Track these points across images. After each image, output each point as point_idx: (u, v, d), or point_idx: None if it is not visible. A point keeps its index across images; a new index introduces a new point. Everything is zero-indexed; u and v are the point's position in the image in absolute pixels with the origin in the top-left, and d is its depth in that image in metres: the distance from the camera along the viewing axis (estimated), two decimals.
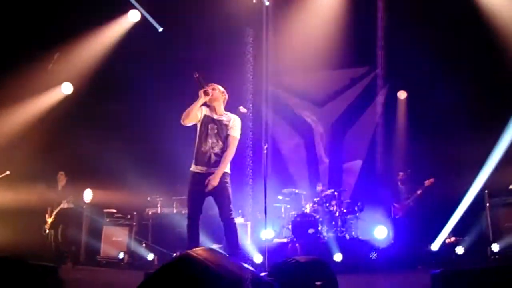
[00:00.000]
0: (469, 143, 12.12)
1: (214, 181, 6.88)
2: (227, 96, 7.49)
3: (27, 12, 12.43)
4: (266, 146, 8.41)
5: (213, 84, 7.39)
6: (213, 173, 6.94)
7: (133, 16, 13.86)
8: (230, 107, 7.55)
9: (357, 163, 15.18)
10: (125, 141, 13.70)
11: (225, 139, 7.16)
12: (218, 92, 7.34)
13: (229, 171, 7.15)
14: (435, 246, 11.50)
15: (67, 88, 14.15)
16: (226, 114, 7.35)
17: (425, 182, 12.27)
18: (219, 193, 7.00)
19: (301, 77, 15.56)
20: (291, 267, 4.53)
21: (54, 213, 12.18)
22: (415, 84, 13.46)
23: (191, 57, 13.52)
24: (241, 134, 7.37)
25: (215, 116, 7.26)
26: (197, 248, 3.43)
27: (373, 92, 14.99)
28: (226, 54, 13.27)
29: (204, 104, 7.24)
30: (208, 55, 13.76)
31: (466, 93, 12.51)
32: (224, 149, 7.11)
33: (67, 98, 14.19)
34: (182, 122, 7.12)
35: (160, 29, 13.91)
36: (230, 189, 7.10)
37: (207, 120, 7.23)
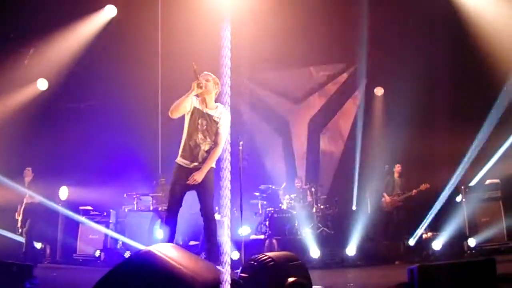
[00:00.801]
0: (446, 140, 12.19)
1: (199, 177, 6.68)
2: (220, 87, 6.91)
3: (2, 7, 12.28)
4: (241, 142, 8.33)
5: (208, 74, 7.02)
6: (199, 168, 6.77)
7: (109, 11, 13.75)
8: None
9: (334, 160, 15.22)
10: (100, 138, 13.61)
11: (214, 135, 6.90)
12: (212, 84, 6.93)
13: (214, 166, 6.88)
14: (412, 241, 11.53)
15: (42, 84, 14.00)
16: (216, 107, 7.00)
17: (421, 186, 12.14)
18: (203, 188, 6.78)
19: (278, 73, 15.57)
20: (263, 264, 4.49)
21: (21, 209, 12.06)
22: (392, 80, 13.47)
23: (168, 51, 13.48)
24: None
25: (205, 110, 6.92)
26: (165, 244, 3.36)
27: (350, 89, 15.02)
28: (202, 48, 13.22)
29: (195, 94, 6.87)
30: (184, 49, 13.69)
31: (443, 89, 12.59)
32: (212, 145, 6.89)
33: (42, 94, 14.02)
34: (170, 114, 6.82)
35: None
36: (213, 185, 6.85)
37: (197, 114, 6.90)
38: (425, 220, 11.72)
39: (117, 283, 2.84)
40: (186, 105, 6.82)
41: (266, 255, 4.61)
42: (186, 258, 2.97)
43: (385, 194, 12.66)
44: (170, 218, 6.82)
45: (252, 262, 4.69)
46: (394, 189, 12.62)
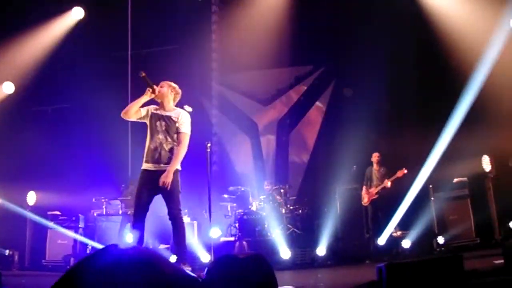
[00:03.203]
0: (414, 138, 12.29)
1: (167, 178, 6.78)
2: (179, 92, 7.40)
3: None
4: (209, 144, 8.34)
5: (165, 82, 7.35)
6: (163, 170, 6.85)
7: (77, 13, 13.66)
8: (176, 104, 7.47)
9: (303, 160, 15.27)
10: (68, 142, 13.52)
11: (175, 135, 7.07)
12: (167, 89, 7.25)
13: (180, 168, 7.04)
14: (381, 240, 11.59)
15: (8, 87, 13.81)
16: (174, 110, 7.25)
17: (397, 172, 11.90)
18: (169, 191, 6.85)
19: (246, 75, 15.60)
20: (228, 263, 4.49)
21: None
22: (361, 81, 13.55)
23: (136, 53, 13.44)
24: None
25: (163, 113, 7.17)
26: (132, 245, 3.40)
27: (318, 90, 15.10)
28: (171, 50, 13.21)
29: (153, 102, 7.20)
30: (153, 51, 13.67)
31: (411, 89, 12.72)
32: (174, 145, 7.03)
33: (8, 97, 13.85)
34: (122, 115, 7.10)
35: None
36: (179, 187, 7.02)
37: (155, 117, 7.14)
38: (394, 219, 11.77)
39: (77, 278, 2.83)
40: (137, 109, 7.11)
41: (232, 255, 4.63)
42: (155, 258, 3.03)
43: (364, 187, 12.47)
44: (137, 223, 6.88)
45: (218, 261, 4.69)
46: (374, 181, 12.37)
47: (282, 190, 13.06)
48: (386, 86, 12.91)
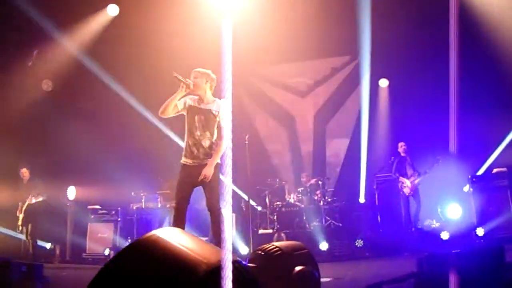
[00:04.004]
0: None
1: (208, 172, 6.69)
2: (214, 79, 7.04)
3: (4, 9, 12.29)
4: (247, 137, 8.36)
5: (197, 71, 7.03)
6: (203, 164, 6.76)
7: (112, 10, 13.75)
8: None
9: (341, 152, 15.22)
10: (108, 137, 13.64)
11: (215, 130, 6.92)
12: (200, 79, 6.96)
13: (220, 161, 6.85)
14: (420, 232, 11.51)
15: (47, 85, 13.99)
16: (214, 101, 7.00)
17: (435, 161, 11.67)
18: (208, 184, 6.78)
19: (282, 67, 15.57)
20: (270, 253, 4.50)
21: (23, 209, 12.12)
22: (397, 72, 13.45)
23: (170, 50, 13.48)
24: None
25: (202, 106, 6.97)
26: (169, 228, 3.38)
27: (354, 81, 15.01)
28: (204, 45, 13.23)
29: (190, 94, 6.98)
30: (186, 47, 13.69)
31: (446, 81, 12.57)
32: (213, 140, 6.91)
33: (47, 95, 14.03)
34: (159, 114, 6.97)
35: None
36: (218, 181, 6.86)
37: (193, 111, 6.96)
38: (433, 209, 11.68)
39: (121, 269, 2.83)
40: (173, 105, 6.91)
41: (273, 245, 4.62)
42: (190, 241, 2.95)
43: (403, 179, 12.06)
44: (178, 216, 6.84)
45: (259, 252, 4.70)
46: (407, 170, 12.11)
47: (320, 182, 13.03)
48: (421, 76, 12.79)
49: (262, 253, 4.59)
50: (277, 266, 4.43)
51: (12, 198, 12.37)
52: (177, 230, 3.17)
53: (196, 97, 7.03)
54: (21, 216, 12.13)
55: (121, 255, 2.89)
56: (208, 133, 6.89)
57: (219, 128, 6.93)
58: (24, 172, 12.48)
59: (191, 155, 6.90)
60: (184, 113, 7.02)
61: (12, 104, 13.35)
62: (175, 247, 2.84)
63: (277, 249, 4.54)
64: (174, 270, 2.70)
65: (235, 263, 2.75)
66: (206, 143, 6.88)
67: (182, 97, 6.93)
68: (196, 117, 6.92)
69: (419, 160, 12.17)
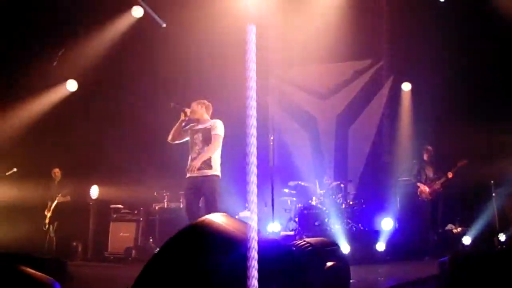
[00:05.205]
0: (474, 134, 12.08)
1: (195, 164, 7.67)
2: (209, 104, 8.31)
3: (30, 9, 12.42)
4: (272, 138, 8.60)
5: (193, 102, 8.27)
6: (201, 175, 7.73)
7: (136, 12, 13.84)
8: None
9: (363, 155, 15.18)
10: (131, 137, 13.74)
11: (210, 139, 7.91)
12: (196, 106, 8.18)
13: (219, 175, 7.83)
14: (441, 236, 11.49)
15: (72, 85, 14.11)
16: (209, 121, 8.14)
17: (458, 163, 11.61)
18: (208, 197, 7.72)
19: (304, 69, 15.58)
20: (302, 248, 4.55)
21: (51, 208, 12.30)
22: (419, 75, 13.42)
23: (193, 54, 13.58)
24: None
25: (200, 126, 8.11)
26: (215, 214, 3.69)
27: (377, 85, 14.99)
28: (227, 48, 13.27)
29: (190, 120, 8.23)
30: (210, 51, 13.76)
31: (470, 84, 12.52)
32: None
33: (73, 95, 14.15)
34: (169, 141, 8.33)
35: (163, 25, 13.93)
36: (218, 195, 7.75)
37: (192, 132, 8.11)
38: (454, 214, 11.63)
39: (177, 252, 3.13)
40: (179, 132, 8.25)
41: (304, 240, 4.66)
42: (236, 223, 3.42)
43: (420, 184, 12.02)
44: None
45: (290, 247, 4.74)
46: (427, 176, 12.05)
47: (342, 185, 13.02)
48: (444, 80, 12.74)
49: (294, 248, 4.65)
50: (308, 261, 4.49)
51: (43, 197, 12.57)
52: (221, 214, 3.57)
53: (195, 123, 8.23)
54: (48, 214, 12.31)
55: (181, 234, 3.25)
56: (206, 147, 7.89)
57: (213, 136, 7.91)
58: (57, 172, 12.76)
59: (192, 168, 7.79)
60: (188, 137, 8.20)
61: (36, 103, 13.53)
62: (227, 229, 3.32)
63: (308, 244, 4.60)
64: (228, 245, 3.12)
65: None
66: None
67: (183, 121, 8.19)
68: (196, 135, 8.03)
69: (442, 164, 12.14)
